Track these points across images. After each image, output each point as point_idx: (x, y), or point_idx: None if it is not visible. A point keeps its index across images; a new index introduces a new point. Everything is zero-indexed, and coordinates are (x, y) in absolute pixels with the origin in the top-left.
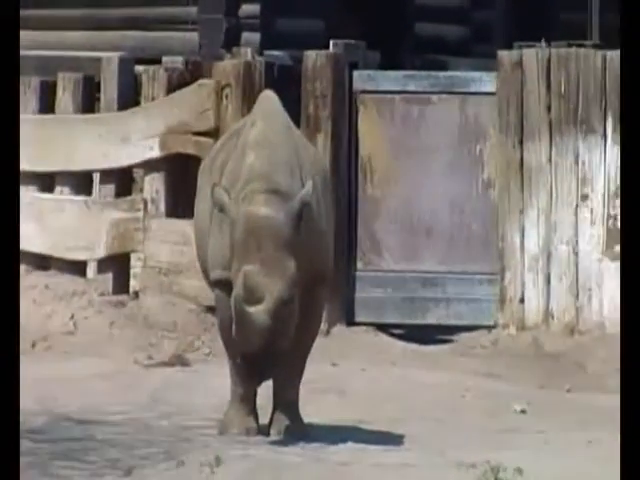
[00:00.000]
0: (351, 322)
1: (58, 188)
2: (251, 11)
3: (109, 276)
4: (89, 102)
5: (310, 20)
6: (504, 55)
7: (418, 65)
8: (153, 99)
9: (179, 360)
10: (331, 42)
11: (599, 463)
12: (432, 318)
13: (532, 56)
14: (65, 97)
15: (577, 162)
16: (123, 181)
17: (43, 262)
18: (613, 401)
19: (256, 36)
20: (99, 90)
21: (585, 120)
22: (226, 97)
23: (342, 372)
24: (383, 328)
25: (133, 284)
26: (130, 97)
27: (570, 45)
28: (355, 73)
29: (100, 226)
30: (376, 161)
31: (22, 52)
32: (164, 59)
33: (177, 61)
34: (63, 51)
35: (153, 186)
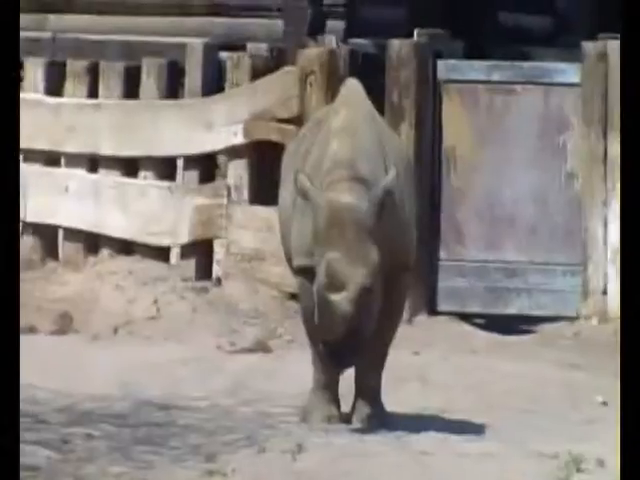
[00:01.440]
0: (434, 311)
1: (142, 173)
2: None
3: (192, 262)
4: (173, 88)
5: (394, 9)
6: (589, 46)
7: (502, 55)
8: (237, 86)
9: (261, 347)
10: (415, 31)
11: None
12: (514, 308)
13: (617, 47)
14: (149, 82)
15: None
16: (207, 167)
17: (126, 247)
18: None
19: (340, 24)
20: (183, 76)
21: None
22: (310, 85)
23: (424, 361)
24: (465, 317)
25: (216, 270)
26: (214, 83)
27: None
28: (439, 62)
29: (183, 212)
30: (459, 151)
31: (107, 37)
32: (249, 46)
33: (262, 48)
34: (148, 36)
35: (237, 172)
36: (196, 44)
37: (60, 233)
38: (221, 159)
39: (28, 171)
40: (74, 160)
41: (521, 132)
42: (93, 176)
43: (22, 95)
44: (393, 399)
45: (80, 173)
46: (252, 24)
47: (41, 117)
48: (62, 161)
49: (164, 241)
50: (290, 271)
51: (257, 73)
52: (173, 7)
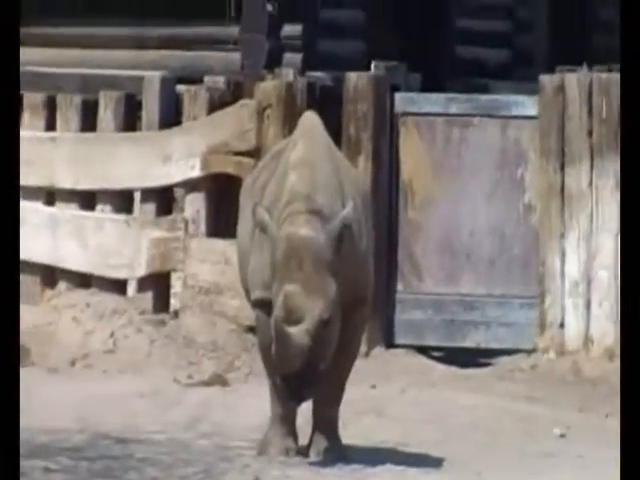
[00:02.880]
0: (391, 344)
1: (99, 206)
2: (293, 32)
3: (149, 295)
4: (131, 120)
5: (352, 41)
6: (546, 79)
7: (459, 88)
8: (195, 118)
9: (219, 380)
10: (372, 63)
11: None
12: (472, 341)
13: (574, 80)
14: (107, 115)
15: (618, 187)
16: (164, 200)
17: (84, 280)
18: None
19: (298, 57)
20: (141, 109)
21: None
22: (268, 117)
23: (381, 394)
24: (423, 350)
25: (173, 303)
26: (171, 116)
27: (612, 70)
28: (397, 95)
29: (141, 245)
30: (417, 183)
31: (64, 70)
32: (206, 79)
33: (219, 81)
34: (105, 69)
35: (194, 206)
36: (153, 77)
37: None
38: (178, 192)
39: None
40: (31, 193)
41: (479, 165)
42: (50, 209)
43: None
44: (350, 432)
45: (37, 206)
46: (209, 57)
47: None
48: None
49: (121, 274)
50: (248, 304)
51: (214, 106)
52: (130, 40)
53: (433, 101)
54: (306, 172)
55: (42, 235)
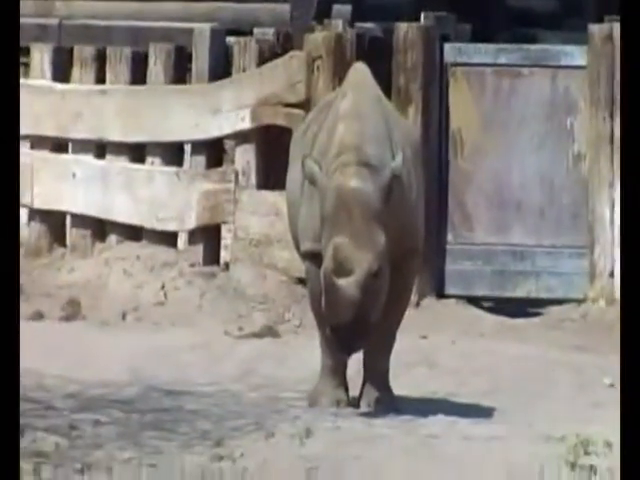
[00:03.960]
0: (441, 294)
1: (149, 159)
2: None
3: (200, 247)
4: (181, 73)
5: None
6: (595, 29)
7: (509, 38)
8: (244, 70)
9: (269, 332)
10: (422, 14)
11: None
12: (522, 291)
13: None
14: (157, 68)
15: None
16: (214, 152)
17: (134, 233)
18: None
19: (347, 8)
20: (190, 61)
21: None
22: (317, 69)
23: (432, 345)
24: (473, 301)
25: (224, 255)
26: (221, 68)
27: None
28: (446, 46)
29: (191, 197)
30: (467, 134)
31: (114, 22)
32: (255, 31)
33: (268, 33)
34: (155, 22)
35: (244, 157)
36: (203, 29)
37: (68, 219)
38: (228, 144)
39: (35, 157)
40: (81, 146)
41: (528, 115)
42: (100, 162)
43: (29, 81)
44: (401, 383)
45: (87, 159)
46: (259, 9)
47: (48, 103)
48: (69, 147)
49: (172, 226)
50: (298, 256)
51: (264, 58)
52: None
53: (482, 51)
54: (355, 123)
55: (92, 188)
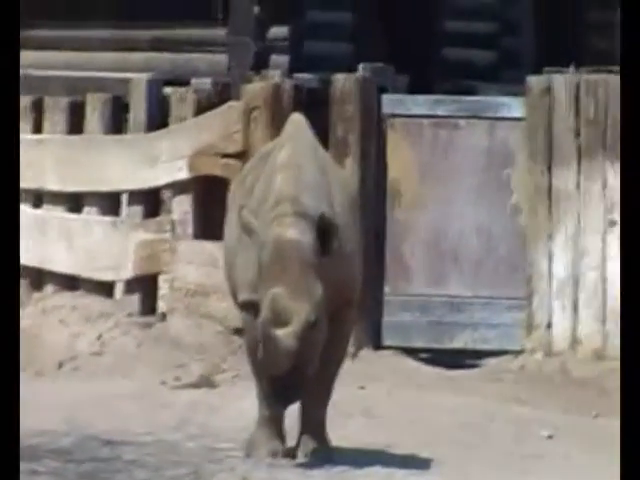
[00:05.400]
0: (378, 346)
1: (86, 208)
2: (280, 33)
3: (136, 297)
4: (117, 123)
5: (338, 43)
6: (533, 80)
7: (447, 90)
8: (182, 121)
9: (206, 382)
10: (360, 65)
11: None
12: (459, 342)
13: (561, 82)
14: (94, 117)
15: (605, 188)
16: (151, 202)
17: (71, 282)
18: None
19: (285, 58)
20: (127, 111)
21: (613, 146)
22: (255, 119)
23: (369, 395)
24: (410, 352)
25: (160, 305)
26: (158, 118)
27: (599, 71)
28: (384, 97)
29: (128, 247)
30: (404, 185)
31: (52, 73)
32: (193, 81)
33: (206, 83)
34: (92, 72)
35: (181, 207)
36: (140, 79)
37: None
38: (166, 194)
39: None
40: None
41: (466, 166)
42: (37, 211)
43: None
44: (338, 434)
45: (24, 209)
46: (196, 59)
47: None
48: None
49: (108, 276)
50: (235, 306)
51: (201, 108)
52: (116, 42)
53: (420, 103)
54: (293, 174)
55: (29, 237)
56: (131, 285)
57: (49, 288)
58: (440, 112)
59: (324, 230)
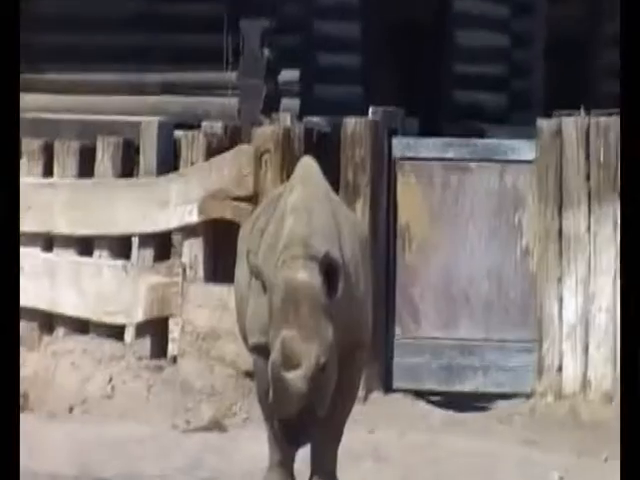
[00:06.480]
0: (389, 389)
1: (97, 252)
2: (290, 77)
3: (147, 340)
4: (128, 166)
5: (349, 86)
6: (543, 123)
7: (457, 132)
8: (192, 164)
9: (217, 425)
10: (370, 108)
11: None
12: (470, 386)
13: (571, 124)
14: (104, 161)
15: (616, 230)
16: (162, 245)
17: (82, 326)
18: None
19: (295, 102)
20: (138, 154)
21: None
22: (265, 163)
23: (380, 439)
24: (421, 395)
25: (171, 348)
26: (169, 162)
27: (610, 113)
28: (394, 140)
29: (138, 290)
30: (415, 228)
31: (62, 116)
32: (203, 124)
33: (216, 126)
34: (103, 115)
35: (192, 251)
36: (151, 123)
37: None
38: (176, 237)
39: None
40: (29, 239)
41: (476, 209)
42: (48, 255)
43: None
44: (349, 477)
45: (35, 252)
46: (207, 102)
47: None
48: None
49: (119, 319)
50: (245, 349)
51: (212, 151)
52: (127, 85)
53: (430, 146)
54: (304, 216)
55: (40, 281)
56: (142, 328)
57: (60, 331)
58: (450, 155)
59: (328, 269)
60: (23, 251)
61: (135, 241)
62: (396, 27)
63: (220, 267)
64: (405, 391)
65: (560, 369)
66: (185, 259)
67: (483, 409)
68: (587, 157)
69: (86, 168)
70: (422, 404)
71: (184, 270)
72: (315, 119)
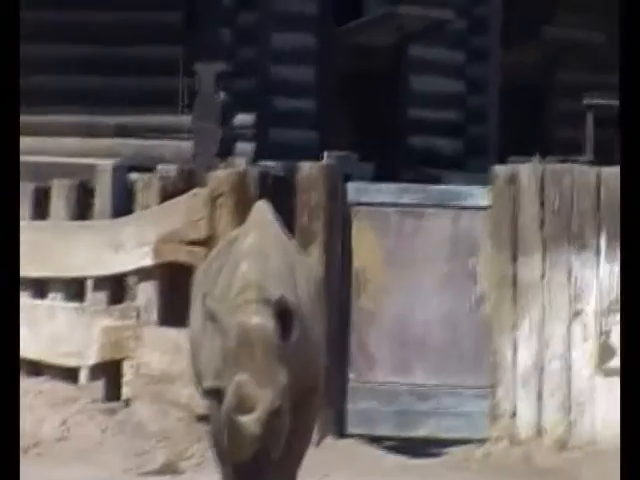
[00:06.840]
0: (342, 434)
1: (51, 294)
2: (246, 121)
3: (101, 383)
4: (83, 209)
5: (304, 131)
6: (498, 170)
7: (412, 178)
8: (147, 207)
9: (170, 469)
10: (325, 153)
11: None
12: (424, 431)
13: (526, 171)
14: (59, 203)
15: (570, 278)
16: (116, 288)
17: (35, 368)
18: None
19: (250, 146)
20: (93, 197)
21: (579, 236)
22: (220, 206)
23: None
24: (374, 440)
25: (125, 391)
26: (124, 205)
27: (564, 161)
28: (349, 185)
29: (92, 333)
30: (369, 273)
31: None
32: (158, 167)
33: (171, 169)
34: (57, 157)
35: (146, 294)
36: (105, 166)
37: None
38: (131, 280)
39: None
40: None
41: (431, 255)
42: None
43: None
44: None
45: None
46: (162, 145)
47: None
48: None
49: (73, 362)
50: (199, 393)
51: (167, 194)
52: (82, 128)
53: (385, 191)
54: (258, 261)
55: None
56: (96, 371)
57: None
58: (405, 200)
59: (282, 313)
60: None
61: (90, 284)
62: (351, 72)
63: (174, 310)
64: (358, 436)
65: (514, 415)
66: (139, 302)
67: (437, 455)
68: (542, 204)
69: (40, 210)
70: (375, 450)
71: (138, 313)
72: (270, 163)
